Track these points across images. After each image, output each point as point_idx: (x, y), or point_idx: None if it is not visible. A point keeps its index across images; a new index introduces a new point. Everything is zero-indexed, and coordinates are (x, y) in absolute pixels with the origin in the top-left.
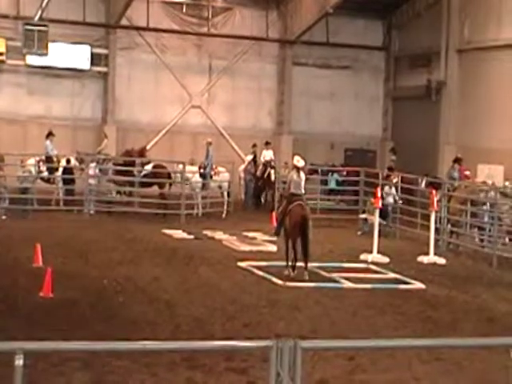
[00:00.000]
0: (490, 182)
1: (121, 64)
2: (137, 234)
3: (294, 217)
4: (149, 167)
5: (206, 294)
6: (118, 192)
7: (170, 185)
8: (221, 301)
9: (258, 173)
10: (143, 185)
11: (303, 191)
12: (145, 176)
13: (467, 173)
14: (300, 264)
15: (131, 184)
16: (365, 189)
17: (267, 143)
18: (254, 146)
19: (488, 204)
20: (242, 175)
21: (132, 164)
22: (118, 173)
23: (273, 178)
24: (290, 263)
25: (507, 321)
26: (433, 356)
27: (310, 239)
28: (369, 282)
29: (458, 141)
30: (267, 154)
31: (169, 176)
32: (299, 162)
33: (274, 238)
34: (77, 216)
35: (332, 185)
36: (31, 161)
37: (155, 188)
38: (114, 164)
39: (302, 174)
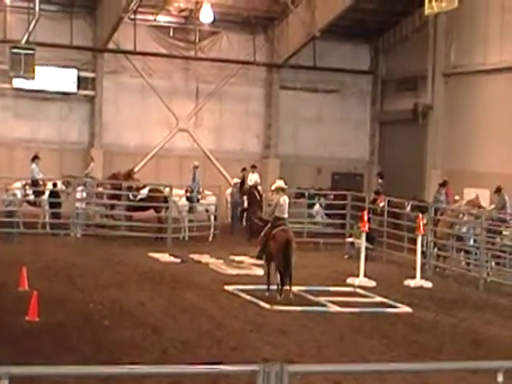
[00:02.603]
0: (473, 197)
1: (108, 88)
2: (123, 257)
3: (278, 241)
4: (145, 191)
5: (192, 318)
6: (108, 216)
7: (167, 208)
8: (207, 325)
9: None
10: (139, 209)
11: (287, 215)
12: (141, 200)
13: (456, 197)
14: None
15: (125, 208)
16: (352, 212)
17: (253, 167)
18: (244, 170)
19: (466, 228)
20: (229, 199)
21: (119, 187)
22: (112, 197)
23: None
24: (271, 286)
25: (493, 344)
26: (419, 380)
27: (294, 263)
28: (355, 306)
29: (444, 164)
30: (253, 178)
31: (165, 200)
32: (283, 185)
33: (261, 262)
34: (63, 239)
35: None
36: (17, 184)
37: (151, 212)
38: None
39: (287, 198)
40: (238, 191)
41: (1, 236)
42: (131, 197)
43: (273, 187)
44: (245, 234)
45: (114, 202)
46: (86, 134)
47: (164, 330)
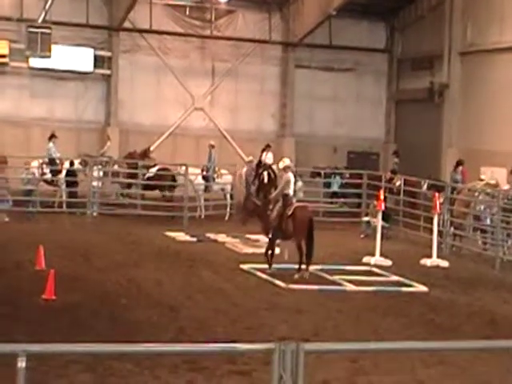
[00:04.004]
0: (493, 182)
1: (124, 66)
2: (140, 236)
3: (300, 219)
4: (154, 170)
5: (208, 297)
6: (121, 194)
7: (174, 187)
8: (223, 303)
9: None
10: (147, 187)
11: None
12: (149, 179)
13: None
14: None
15: (136, 186)
16: (368, 192)
17: (268, 146)
18: (263, 150)
19: (482, 207)
20: (243, 177)
21: (135, 166)
22: (127, 176)
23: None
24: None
25: (510, 323)
26: (435, 359)
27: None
28: (371, 285)
29: (460, 143)
30: (267, 157)
31: (173, 179)
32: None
33: (278, 241)
34: (80, 218)
35: (335, 187)
36: (34, 163)
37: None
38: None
39: (292, 176)
40: (252, 169)
41: (19, 214)
42: (140, 175)
43: (281, 166)
44: (241, 216)
45: (129, 180)
46: (102, 112)
47: (180, 309)
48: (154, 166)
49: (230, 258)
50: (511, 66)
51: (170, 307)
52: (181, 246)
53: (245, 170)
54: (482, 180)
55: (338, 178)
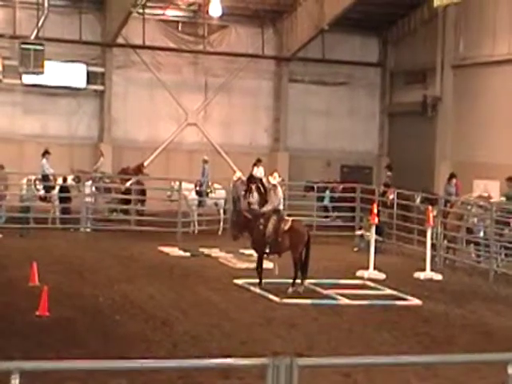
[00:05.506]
0: (485, 195)
1: (117, 82)
2: (133, 251)
3: (299, 234)
4: (127, 184)
5: (202, 312)
6: (114, 210)
7: (144, 201)
8: (217, 318)
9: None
10: (123, 201)
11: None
12: (123, 193)
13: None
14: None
15: (125, 202)
16: (361, 205)
17: (258, 161)
18: (254, 164)
19: (477, 220)
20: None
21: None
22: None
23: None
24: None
25: (504, 336)
26: (430, 372)
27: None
28: (365, 299)
29: (453, 156)
30: (258, 172)
31: (143, 193)
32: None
33: (271, 256)
34: (73, 234)
35: (326, 201)
36: (24, 180)
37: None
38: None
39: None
40: (244, 184)
41: (12, 230)
42: (123, 189)
43: (273, 181)
44: (232, 229)
45: (122, 196)
46: (96, 128)
47: (174, 324)
48: (128, 180)
49: (224, 272)
50: (504, 79)
51: (163, 322)
52: (174, 260)
53: (231, 185)
54: (490, 197)
55: (327, 191)
